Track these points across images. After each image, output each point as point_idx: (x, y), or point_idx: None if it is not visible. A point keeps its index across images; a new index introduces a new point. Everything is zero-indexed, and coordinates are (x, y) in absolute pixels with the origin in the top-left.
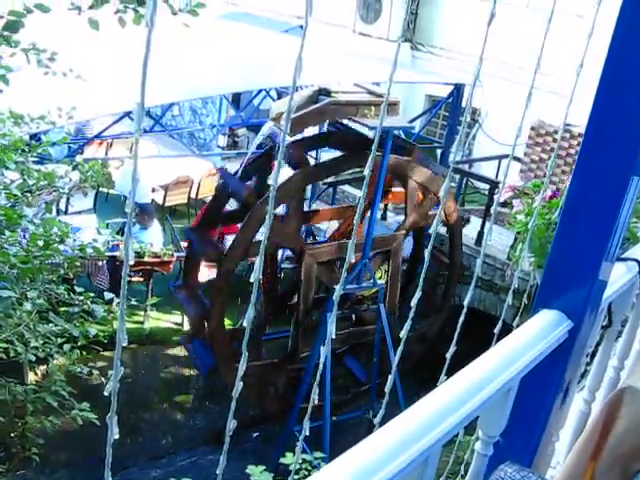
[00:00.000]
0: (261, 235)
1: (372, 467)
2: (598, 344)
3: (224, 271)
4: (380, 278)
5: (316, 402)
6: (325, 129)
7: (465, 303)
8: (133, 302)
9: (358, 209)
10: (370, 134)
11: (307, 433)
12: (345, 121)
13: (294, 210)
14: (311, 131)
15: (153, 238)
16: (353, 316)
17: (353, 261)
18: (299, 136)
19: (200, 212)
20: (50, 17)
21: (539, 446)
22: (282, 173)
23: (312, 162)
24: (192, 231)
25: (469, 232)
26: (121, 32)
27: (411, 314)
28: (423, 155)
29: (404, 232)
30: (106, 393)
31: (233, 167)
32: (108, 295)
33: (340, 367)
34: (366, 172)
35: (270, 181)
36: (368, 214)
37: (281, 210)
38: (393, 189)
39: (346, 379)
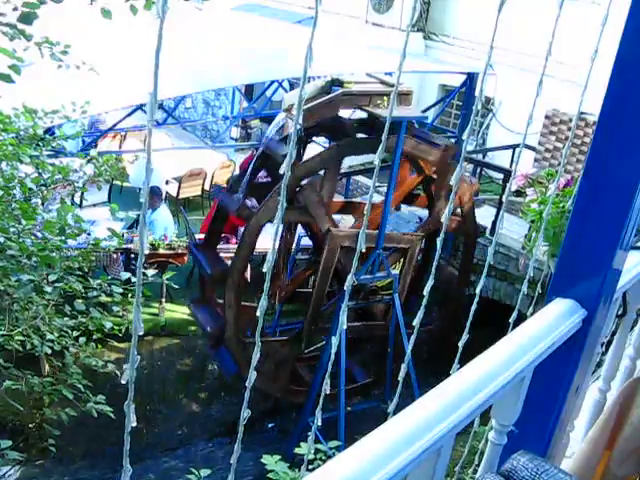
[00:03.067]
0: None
1: (385, 455)
2: (613, 333)
3: (251, 234)
4: (394, 268)
5: (328, 392)
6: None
7: (477, 291)
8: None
9: (369, 199)
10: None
11: (319, 423)
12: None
13: (329, 185)
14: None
15: (163, 217)
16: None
17: (364, 251)
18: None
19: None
20: (62, 9)
21: (553, 436)
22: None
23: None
24: (198, 251)
25: (484, 222)
26: (133, 25)
27: (424, 302)
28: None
29: (423, 234)
30: (123, 381)
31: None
32: (125, 275)
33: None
34: (376, 162)
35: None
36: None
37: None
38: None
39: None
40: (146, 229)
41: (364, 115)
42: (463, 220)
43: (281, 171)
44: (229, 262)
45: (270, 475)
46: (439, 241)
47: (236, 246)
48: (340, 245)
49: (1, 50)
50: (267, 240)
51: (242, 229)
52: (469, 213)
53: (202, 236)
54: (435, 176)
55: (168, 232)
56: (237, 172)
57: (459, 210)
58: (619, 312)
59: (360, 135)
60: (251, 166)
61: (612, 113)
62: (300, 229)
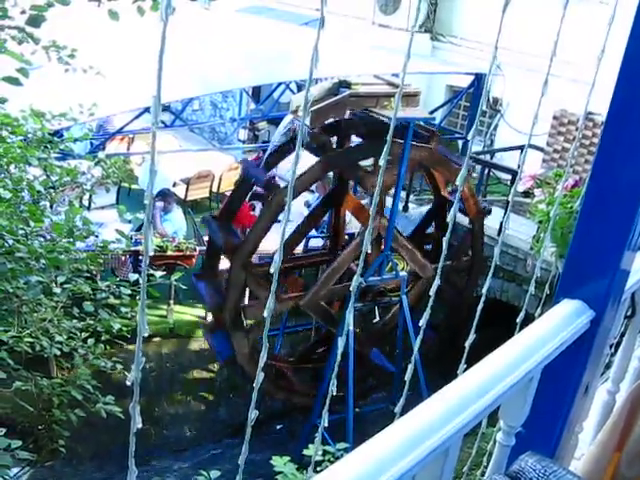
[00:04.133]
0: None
1: (393, 456)
2: (622, 334)
3: (238, 260)
4: (402, 269)
5: (334, 393)
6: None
7: (483, 291)
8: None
9: (374, 199)
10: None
11: (326, 424)
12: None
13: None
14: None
15: (176, 220)
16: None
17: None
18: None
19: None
20: (69, 11)
21: (562, 437)
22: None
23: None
24: (213, 220)
25: (492, 223)
26: (141, 26)
27: (430, 302)
28: (443, 147)
29: (436, 267)
30: (128, 383)
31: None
32: (133, 276)
33: (366, 363)
34: (381, 162)
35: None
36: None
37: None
38: None
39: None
40: (151, 231)
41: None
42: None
43: (287, 170)
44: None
45: (279, 477)
46: (445, 241)
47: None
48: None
49: (10, 53)
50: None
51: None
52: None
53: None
54: (452, 198)
55: (179, 235)
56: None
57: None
58: (628, 313)
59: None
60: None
61: (620, 113)
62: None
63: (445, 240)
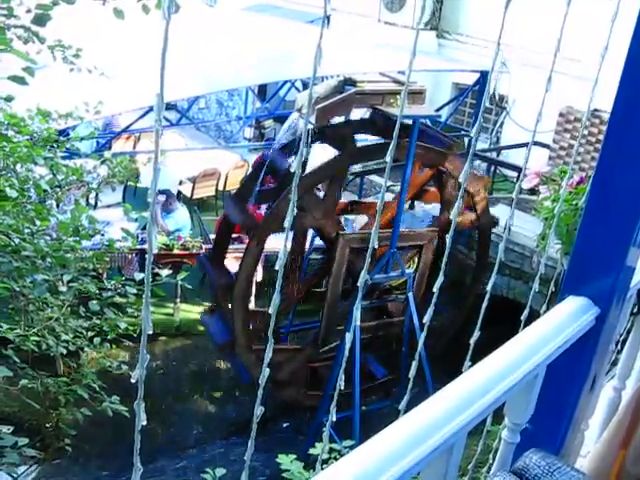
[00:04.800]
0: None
1: (398, 453)
2: (628, 331)
3: (254, 242)
4: (409, 267)
5: (342, 387)
6: (367, 116)
7: (488, 288)
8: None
9: (380, 197)
10: (404, 122)
11: (334, 419)
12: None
13: (333, 192)
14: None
15: (180, 218)
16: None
17: (377, 247)
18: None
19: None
20: (74, 9)
21: (567, 434)
22: (322, 154)
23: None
24: (229, 200)
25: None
26: (146, 25)
27: (433, 300)
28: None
29: (437, 230)
30: (133, 380)
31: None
32: (139, 275)
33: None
34: (387, 159)
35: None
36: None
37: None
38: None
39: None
40: (156, 229)
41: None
42: (478, 217)
43: (292, 169)
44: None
45: (285, 475)
46: (449, 237)
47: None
48: (350, 247)
49: (15, 52)
50: (280, 239)
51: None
52: (484, 209)
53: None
54: (445, 169)
55: (183, 233)
56: (250, 171)
57: (473, 205)
58: (634, 310)
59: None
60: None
61: (624, 110)
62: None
63: (449, 237)
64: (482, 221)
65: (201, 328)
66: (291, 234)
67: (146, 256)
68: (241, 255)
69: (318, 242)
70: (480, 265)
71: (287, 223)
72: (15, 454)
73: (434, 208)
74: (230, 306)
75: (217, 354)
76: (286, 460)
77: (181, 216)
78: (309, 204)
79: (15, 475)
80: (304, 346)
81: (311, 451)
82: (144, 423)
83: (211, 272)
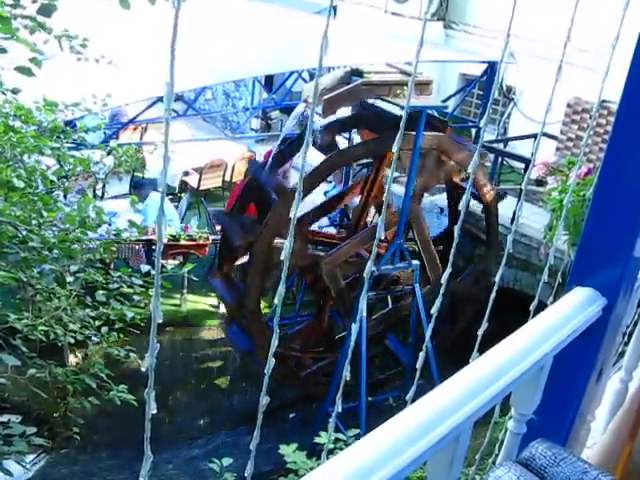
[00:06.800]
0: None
1: (404, 442)
2: (636, 323)
3: (257, 251)
4: (414, 259)
5: (347, 378)
6: (354, 110)
7: (496, 279)
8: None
9: (387, 189)
10: (403, 114)
11: (340, 410)
12: (378, 102)
13: (300, 229)
14: (343, 112)
15: (153, 203)
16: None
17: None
18: (332, 117)
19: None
20: (81, 2)
21: (573, 425)
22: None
23: (343, 143)
24: (224, 215)
25: (505, 212)
26: (153, 17)
27: (442, 290)
28: (456, 135)
29: (417, 200)
30: (143, 369)
31: (267, 149)
32: (145, 267)
33: (380, 347)
34: (394, 149)
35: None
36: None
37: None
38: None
39: (385, 359)
40: (165, 217)
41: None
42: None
43: (296, 162)
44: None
45: (290, 465)
46: (457, 229)
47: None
48: (337, 265)
49: (22, 41)
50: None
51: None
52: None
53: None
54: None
55: (174, 224)
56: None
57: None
58: None
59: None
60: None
61: (633, 101)
62: (321, 222)
63: (457, 227)
64: (486, 197)
65: (208, 319)
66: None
67: (153, 247)
68: None
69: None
70: (489, 247)
71: (292, 214)
72: (23, 443)
73: (441, 199)
74: (246, 272)
75: (224, 344)
76: (288, 450)
77: (154, 201)
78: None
79: (23, 464)
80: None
81: (317, 440)
82: (154, 412)
83: (230, 230)
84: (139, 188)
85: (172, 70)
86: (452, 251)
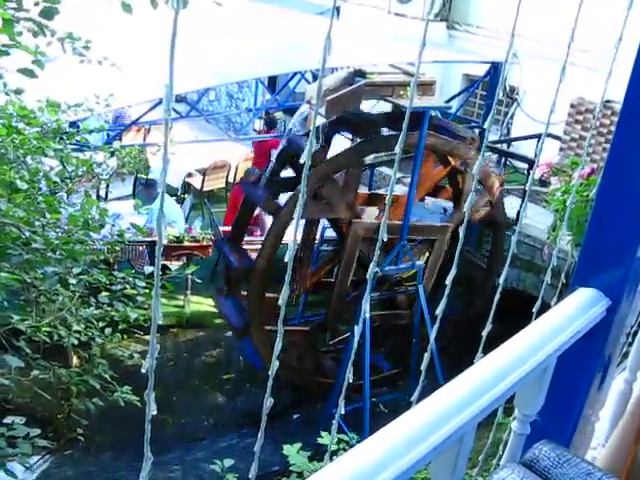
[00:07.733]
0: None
1: (407, 443)
2: None
3: (279, 226)
4: (419, 260)
5: (351, 380)
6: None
7: (500, 281)
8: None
9: (390, 189)
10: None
11: (342, 411)
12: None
13: (353, 182)
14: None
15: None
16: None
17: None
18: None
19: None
20: (83, 5)
21: (577, 426)
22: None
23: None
24: (224, 242)
25: (510, 213)
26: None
27: (446, 291)
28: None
29: (452, 225)
30: (143, 370)
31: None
32: (148, 269)
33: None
34: (397, 150)
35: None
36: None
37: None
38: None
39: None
40: (164, 218)
41: (387, 108)
42: (492, 211)
43: (301, 161)
44: (254, 255)
45: (293, 467)
46: (462, 230)
47: (260, 239)
48: (363, 236)
49: (23, 48)
50: (290, 231)
51: (269, 221)
52: (498, 203)
53: (226, 228)
54: (462, 167)
55: (178, 225)
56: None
57: (488, 200)
58: None
59: (385, 129)
60: (273, 163)
61: (635, 101)
62: (324, 221)
63: (462, 229)
64: (497, 217)
65: (212, 320)
66: (302, 222)
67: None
68: (252, 248)
69: (329, 234)
70: (492, 262)
71: (296, 214)
72: (27, 445)
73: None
74: (247, 289)
75: (227, 346)
76: (292, 451)
77: (169, 208)
78: (330, 193)
79: (27, 465)
80: (312, 327)
81: (320, 440)
82: (154, 413)
83: (229, 255)
84: (148, 188)
85: (171, 72)
86: (457, 252)
